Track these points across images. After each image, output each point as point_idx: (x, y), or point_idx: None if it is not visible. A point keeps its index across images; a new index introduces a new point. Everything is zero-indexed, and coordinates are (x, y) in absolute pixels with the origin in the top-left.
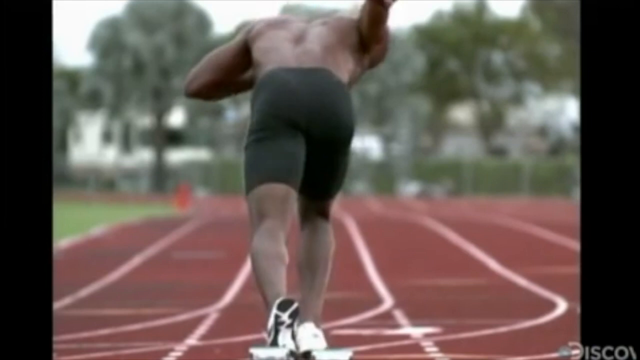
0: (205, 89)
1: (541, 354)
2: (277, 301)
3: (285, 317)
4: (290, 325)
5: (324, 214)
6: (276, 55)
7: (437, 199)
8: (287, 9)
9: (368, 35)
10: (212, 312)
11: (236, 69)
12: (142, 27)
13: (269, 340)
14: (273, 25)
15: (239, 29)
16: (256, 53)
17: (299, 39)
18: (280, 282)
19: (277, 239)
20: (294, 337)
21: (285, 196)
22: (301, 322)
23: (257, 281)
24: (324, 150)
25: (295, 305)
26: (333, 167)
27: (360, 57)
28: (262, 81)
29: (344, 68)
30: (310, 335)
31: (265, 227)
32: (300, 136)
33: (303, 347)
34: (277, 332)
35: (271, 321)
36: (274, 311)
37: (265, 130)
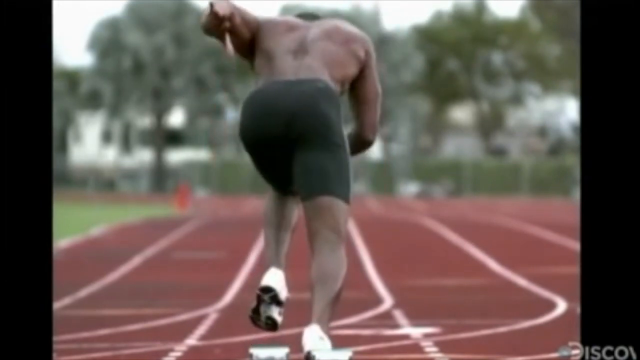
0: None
1: (541, 354)
2: (261, 285)
3: (266, 297)
4: (271, 303)
5: (331, 227)
6: (275, 67)
7: (437, 199)
8: (287, 9)
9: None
10: (212, 312)
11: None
12: (142, 27)
13: (252, 305)
14: (284, 24)
15: None
16: (261, 46)
17: (301, 51)
18: (278, 249)
19: (285, 203)
20: (279, 303)
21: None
22: (308, 324)
23: (264, 241)
24: (307, 146)
25: (273, 293)
26: (322, 161)
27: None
28: (245, 101)
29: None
30: (316, 337)
31: (275, 192)
32: (281, 150)
33: (307, 347)
34: (259, 302)
35: (255, 296)
36: (257, 291)
37: (251, 155)
